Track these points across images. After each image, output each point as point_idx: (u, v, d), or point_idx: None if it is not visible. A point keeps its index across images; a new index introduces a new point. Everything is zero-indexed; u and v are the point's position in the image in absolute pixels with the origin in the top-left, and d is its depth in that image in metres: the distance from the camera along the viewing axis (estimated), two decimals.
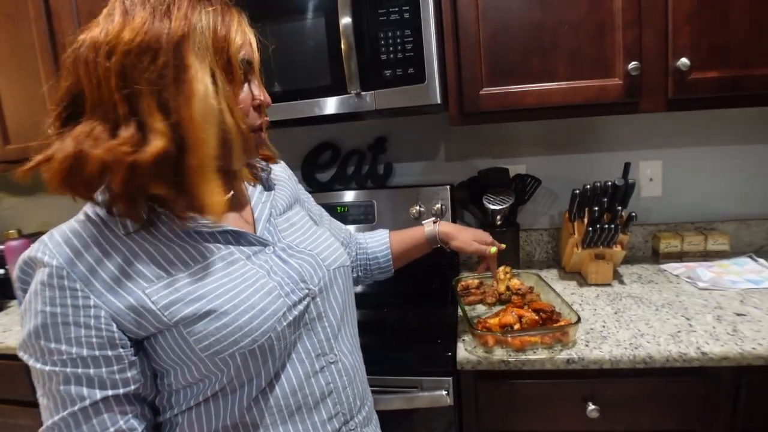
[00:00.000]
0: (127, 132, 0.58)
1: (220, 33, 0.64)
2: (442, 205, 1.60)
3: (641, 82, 1.27)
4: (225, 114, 0.63)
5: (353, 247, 1.12)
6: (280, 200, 0.85)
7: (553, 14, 1.28)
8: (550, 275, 1.53)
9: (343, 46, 1.25)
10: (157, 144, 0.58)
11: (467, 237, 1.14)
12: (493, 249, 1.13)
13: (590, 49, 1.28)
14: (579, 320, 1.06)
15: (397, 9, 1.27)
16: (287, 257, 0.74)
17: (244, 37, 0.68)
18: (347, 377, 0.77)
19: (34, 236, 1.83)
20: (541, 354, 1.06)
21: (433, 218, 1.18)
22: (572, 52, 1.29)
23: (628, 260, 1.60)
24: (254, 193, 0.81)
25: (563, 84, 1.30)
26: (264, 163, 0.86)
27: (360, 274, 1.13)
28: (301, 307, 0.71)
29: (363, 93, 1.30)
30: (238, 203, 0.78)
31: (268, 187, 0.84)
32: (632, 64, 1.25)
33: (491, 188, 1.53)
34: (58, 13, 1.60)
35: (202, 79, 0.60)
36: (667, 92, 1.28)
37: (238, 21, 0.68)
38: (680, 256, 1.57)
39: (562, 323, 1.08)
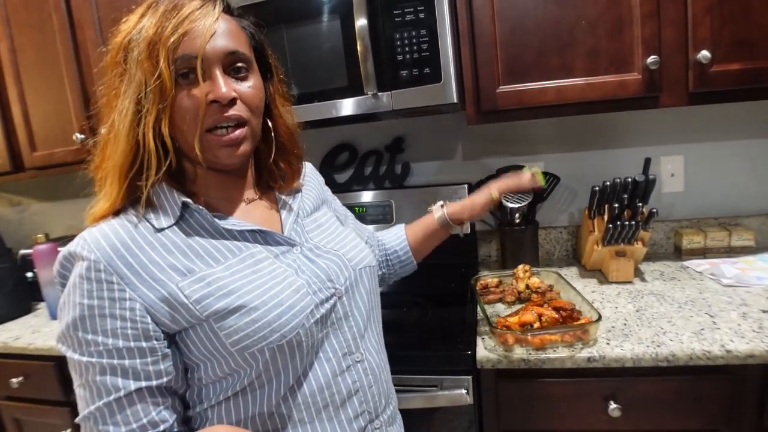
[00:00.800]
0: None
1: (154, 35, 0.63)
2: None
3: (661, 76, 1.25)
4: (146, 129, 0.63)
5: (375, 246, 1.13)
6: (308, 201, 0.86)
7: (570, 10, 1.27)
8: (570, 273, 1.52)
9: (359, 48, 1.26)
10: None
11: (472, 203, 1.10)
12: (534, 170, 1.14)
13: (608, 44, 1.27)
14: (600, 318, 1.05)
15: (412, 9, 1.27)
16: (314, 257, 0.76)
17: (189, 28, 0.64)
18: (373, 376, 0.78)
19: (60, 240, 1.88)
20: (562, 352, 1.05)
21: (441, 202, 1.15)
22: (590, 47, 1.28)
23: (649, 257, 1.57)
24: (282, 193, 0.82)
25: (581, 80, 1.29)
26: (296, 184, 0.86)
27: (384, 271, 1.14)
28: (328, 305, 0.73)
29: (380, 93, 1.30)
30: (267, 203, 0.80)
31: (296, 188, 0.86)
32: (651, 58, 1.23)
33: None
34: (81, 23, 1.64)
35: (124, 95, 0.64)
36: (687, 86, 1.26)
37: (192, 11, 0.65)
38: (703, 253, 1.54)
39: (583, 321, 1.08)
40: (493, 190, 1.09)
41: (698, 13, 1.22)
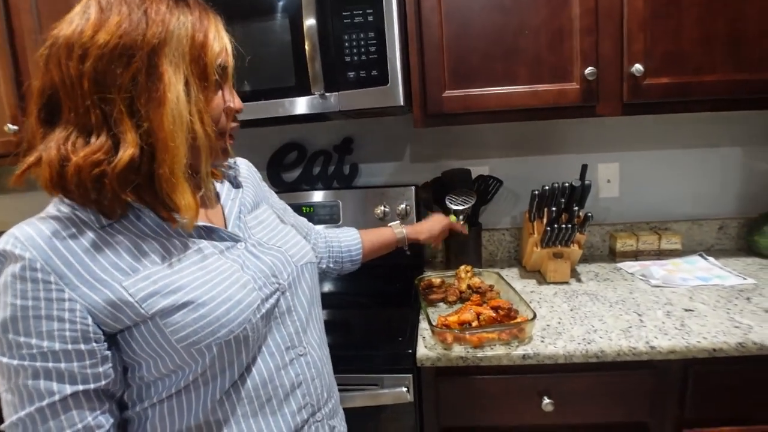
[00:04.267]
0: (99, 140, 0.60)
1: (198, 40, 0.65)
2: (406, 206, 1.62)
3: (598, 86, 1.31)
4: (195, 122, 0.63)
5: (320, 241, 1.15)
6: (248, 198, 0.87)
7: (514, 19, 1.31)
8: (511, 274, 1.57)
9: (307, 47, 1.26)
10: (127, 153, 0.59)
11: (431, 229, 1.35)
12: (452, 217, 1.39)
13: (550, 54, 1.32)
14: (535, 317, 1.09)
15: (360, 12, 1.28)
16: (258, 253, 0.76)
17: (221, 44, 0.69)
18: (315, 369, 0.80)
19: None
20: (499, 350, 1.09)
21: (398, 221, 1.31)
22: (532, 56, 1.32)
23: (586, 259, 1.65)
24: (223, 190, 0.83)
25: (524, 87, 1.33)
26: (232, 161, 0.89)
27: (330, 265, 1.17)
28: (272, 300, 0.74)
29: (327, 94, 1.31)
30: (209, 200, 0.80)
31: (236, 185, 0.86)
32: (588, 69, 1.29)
33: (454, 189, 1.55)
34: (17, 9, 1.56)
35: (174, 88, 0.61)
36: (622, 97, 1.32)
37: (216, 27, 0.69)
38: (636, 255, 1.62)
39: (519, 320, 1.11)
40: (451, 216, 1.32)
41: (633, 29, 1.29)
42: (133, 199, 0.64)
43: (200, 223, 0.71)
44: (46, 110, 0.62)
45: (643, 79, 1.30)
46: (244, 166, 0.94)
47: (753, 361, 1.10)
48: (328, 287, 1.60)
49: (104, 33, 0.59)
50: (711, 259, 1.58)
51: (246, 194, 0.86)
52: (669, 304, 1.27)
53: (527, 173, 1.70)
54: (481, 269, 1.48)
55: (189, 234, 0.70)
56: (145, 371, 0.66)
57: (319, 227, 1.16)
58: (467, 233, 1.45)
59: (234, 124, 0.74)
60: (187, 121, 0.62)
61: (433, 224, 1.37)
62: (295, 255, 0.82)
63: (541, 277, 1.51)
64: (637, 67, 1.28)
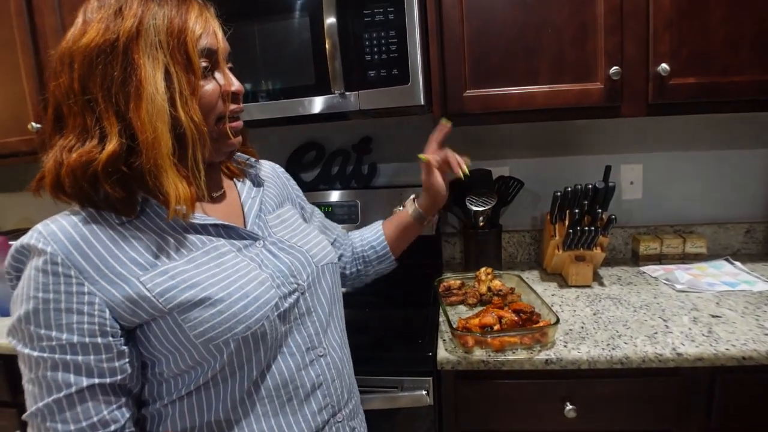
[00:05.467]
0: (92, 141, 0.62)
1: (176, 27, 0.65)
2: None
3: (622, 86, 1.29)
4: (179, 111, 0.64)
5: (347, 244, 1.12)
6: (270, 197, 0.87)
7: (537, 18, 1.29)
8: (532, 276, 1.55)
9: (327, 46, 1.25)
10: (109, 147, 0.61)
11: (428, 187, 1.08)
12: (421, 156, 1.08)
13: (573, 53, 1.30)
14: (558, 321, 1.07)
15: (381, 10, 1.27)
16: (277, 251, 0.76)
17: (205, 27, 0.68)
18: (336, 370, 0.79)
19: (12, 233, 1.81)
20: (520, 354, 1.07)
21: (413, 195, 1.15)
22: (555, 55, 1.30)
23: (608, 262, 1.62)
24: (243, 188, 0.83)
25: (546, 87, 1.31)
26: (252, 159, 0.89)
27: (360, 267, 1.12)
28: (291, 300, 0.74)
29: (347, 93, 1.30)
30: (229, 198, 0.80)
31: (258, 183, 0.86)
32: (613, 69, 1.26)
33: (474, 190, 1.54)
34: (40, 8, 1.57)
35: (152, 79, 0.62)
36: (647, 97, 1.29)
37: (199, 11, 0.68)
38: (659, 259, 1.59)
39: (541, 324, 1.09)
40: (422, 155, 1.08)
41: (659, 28, 1.26)
42: (124, 195, 0.64)
43: (218, 221, 0.72)
44: (55, 121, 0.65)
45: (669, 79, 1.27)
46: (267, 167, 0.95)
47: None
48: (356, 286, 1.59)
49: (86, 37, 0.62)
50: (738, 263, 1.54)
51: (268, 193, 0.87)
52: (695, 310, 1.24)
53: (548, 174, 1.67)
54: (501, 271, 1.46)
55: (207, 232, 0.71)
56: (165, 367, 0.67)
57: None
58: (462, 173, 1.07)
59: (234, 106, 0.74)
60: (167, 111, 0.62)
61: (427, 185, 1.08)
62: (316, 255, 0.82)
63: (562, 280, 1.49)
64: (663, 67, 1.25)
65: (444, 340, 1.16)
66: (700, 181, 1.65)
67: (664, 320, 1.19)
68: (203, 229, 0.71)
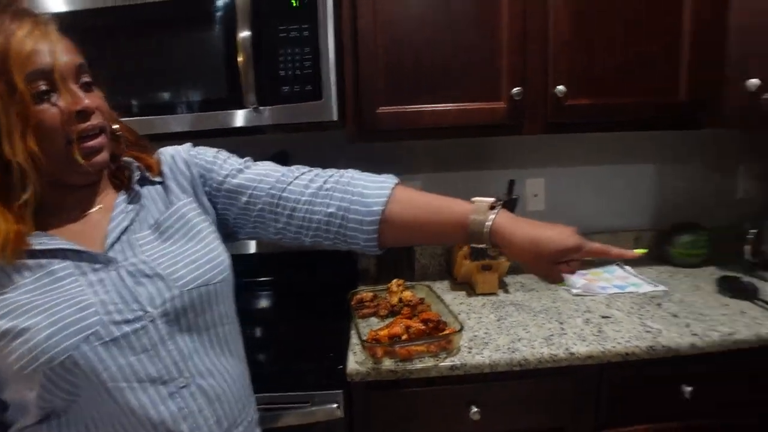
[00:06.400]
0: None
1: (1, 51, 0.62)
2: None
3: (523, 106, 1.38)
4: (3, 145, 0.62)
5: (315, 183, 0.84)
6: (152, 209, 0.79)
7: (449, 38, 1.34)
8: (443, 286, 1.61)
9: (240, 59, 1.25)
10: None
11: (550, 235, 0.79)
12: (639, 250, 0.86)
13: (481, 73, 1.37)
14: (462, 328, 1.13)
15: (297, 27, 1.28)
16: (127, 275, 0.71)
17: (35, 46, 0.64)
18: (205, 399, 0.74)
19: None
20: (427, 362, 1.11)
21: (494, 198, 0.82)
22: (465, 74, 1.37)
23: (514, 270, 1.70)
24: (120, 204, 0.76)
25: (456, 105, 1.38)
26: (139, 171, 0.80)
27: (334, 230, 0.81)
28: (128, 328, 0.68)
29: (261, 108, 1.30)
30: (99, 215, 0.75)
31: (136, 198, 0.78)
32: (516, 90, 1.35)
33: None
34: None
35: None
36: (546, 116, 1.40)
37: (30, 29, 0.64)
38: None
39: (447, 332, 1.15)
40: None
41: (557, 52, 1.37)
42: None
43: (66, 245, 0.69)
44: None
45: (566, 100, 1.37)
46: (167, 159, 0.84)
47: (661, 363, 1.19)
48: (259, 303, 1.59)
49: None
50: (627, 267, 1.68)
51: (149, 204, 0.79)
52: (588, 312, 1.35)
53: (458, 188, 1.72)
54: (414, 283, 1.50)
55: (53, 255, 0.68)
56: (5, 394, 0.67)
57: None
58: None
59: (84, 125, 0.68)
60: None
61: (561, 234, 0.80)
62: (183, 278, 0.73)
63: (471, 289, 1.56)
64: (560, 89, 1.36)
65: (355, 352, 1.18)
66: (596, 193, 1.80)
67: (560, 323, 1.28)
68: (49, 254, 0.68)
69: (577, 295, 1.47)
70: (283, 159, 1.73)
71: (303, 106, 1.30)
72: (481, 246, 0.81)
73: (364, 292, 1.44)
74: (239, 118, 1.31)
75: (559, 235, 0.79)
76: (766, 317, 1.31)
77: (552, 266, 0.80)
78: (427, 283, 1.51)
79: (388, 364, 1.12)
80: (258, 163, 0.88)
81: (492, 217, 0.79)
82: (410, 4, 1.33)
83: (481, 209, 0.80)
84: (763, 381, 1.27)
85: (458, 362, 1.11)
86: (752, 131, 1.77)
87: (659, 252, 1.78)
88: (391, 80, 1.37)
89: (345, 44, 1.36)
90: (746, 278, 1.54)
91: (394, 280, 1.41)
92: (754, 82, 1.32)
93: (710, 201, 1.86)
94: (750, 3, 1.32)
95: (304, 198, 0.81)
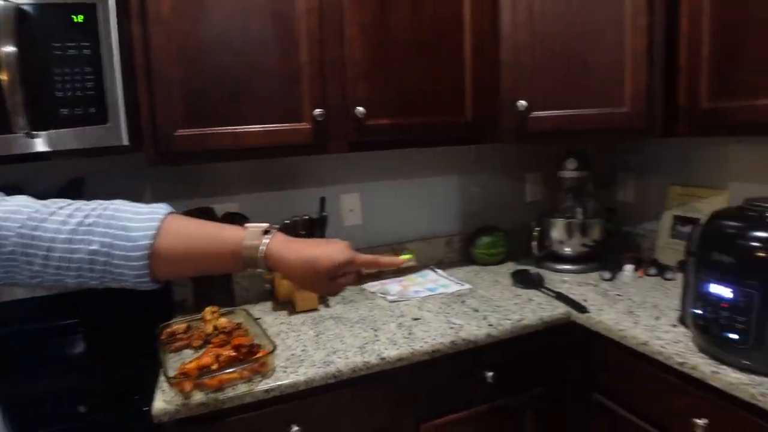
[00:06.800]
0: None
1: None
2: None
3: (327, 127, 1.43)
4: None
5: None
6: None
7: (248, 61, 1.34)
8: (265, 308, 1.58)
9: (4, 79, 1.10)
10: None
11: (321, 252, 0.82)
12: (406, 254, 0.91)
13: (283, 95, 1.39)
14: (274, 349, 1.12)
15: (75, 44, 1.18)
16: None
17: None
18: None
19: None
20: (241, 388, 1.08)
21: (266, 225, 0.83)
22: (266, 97, 1.37)
23: None
24: None
25: (259, 127, 1.37)
26: None
27: (99, 268, 0.73)
28: None
29: (35, 132, 1.16)
30: None
31: None
32: (317, 111, 1.39)
33: None
34: None
35: None
36: (348, 136, 1.46)
37: None
38: (378, 275, 1.79)
39: (259, 355, 1.13)
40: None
41: (355, 76, 1.44)
42: None
43: None
44: None
45: (366, 121, 1.46)
46: None
47: (464, 355, 1.31)
48: (63, 349, 1.40)
49: None
50: (439, 271, 1.83)
51: None
52: (402, 316, 1.43)
53: (276, 208, 1.74)
54: (233, 308, 1.46)
55: None
56: None
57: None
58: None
59: None
60: None
61: (334, 251, 0.84)
62: None
63: (292, 307, 1.56)
64: (360, 110, 1.44)
65: (163, 390, 1.10)
66: (409, 204, 1.94)
67: (375, 330, 1.34)
68: None
69: (393, 301, 1.55)
70: (77, 187, 1.58)
71: (87, 129, 1.19)
72: (258, 271, 0.82)
73: (177, 324, 1.35)
74: (8, 144, 1.15)
75: (332, 251, 0.83)
76: (548, 302, 1.52)
77: (329, 281, 0.84)
78: (247, 306, 1.47)
79: (198, 397, 1.06)
80: (8, 198, 0.77)
81: (266, 241, 0.80)
82: (207, 26, 1.30)
83: (254, 235, 0.80)
84: (547, 357, 1.47)
85: (273, 384, 1.10)
86: (525, 144, 2.06)
87: (466, 254, 1.98)
88: (189, 102, 1.32)
89: (137, 65, 1.28)
90: (534, 270, 1.78)
91: (208, 308, 1.35)
92: (523, 103, 1.55)
93: (506, 205, 2.12)
94: (513, 41, 1.54)
95: (61, 236, 0.72)
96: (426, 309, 1.48)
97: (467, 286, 1.68)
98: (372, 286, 1.69)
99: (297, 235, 1.46)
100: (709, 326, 1.12)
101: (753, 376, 1.04)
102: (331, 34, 1.41)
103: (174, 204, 1.61)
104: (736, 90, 1.32)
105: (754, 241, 1.05)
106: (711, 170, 1.78)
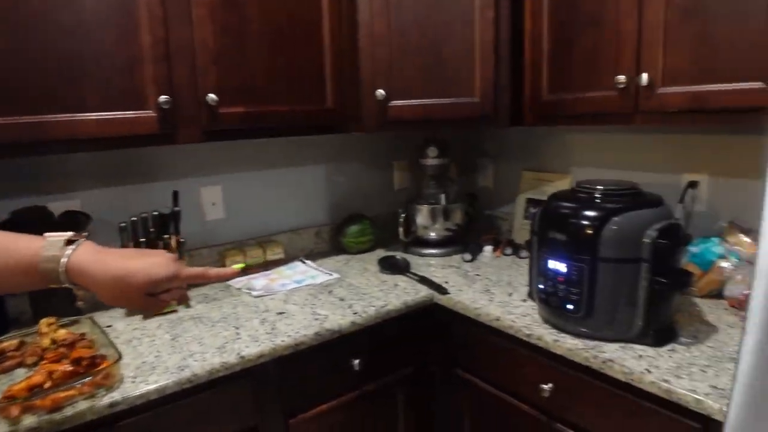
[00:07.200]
0: None
1: None
2: None
3: (175, 115, 1.33)
4: None
5: None
6: None
7: (82, 41, 1.19)
8: (118, 313, 1.44)
9: None
10: None
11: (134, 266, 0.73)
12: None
13: (122, 81, 1.26)
14: (119, 358, 1.03)
15: None
16: None
17: None
18: None
19: None
20: (81, 405, 0.98)
21: (70, 234, 0.74)
22: (104, 82, 1.24)
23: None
24: None
25: (96, 115, 1.24)
26: None
27: None
28: None
29: None
30: None
31: None
32: (163, 98, 1.29)
33: (31, 230, 1.34)
34: None
35: None
36: (201, 124, 1.38)
37: None
38: (246, 271, 1.73)
39: (102, 366, 1.03)
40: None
41: (205, 61, 1.36)
42: None
43: None
44: None
45: (219, 108, 1.38)
46: None
47: (330, 345, 1.31)
48: None
49: None
50: (309, 262, 1.82)
51: None
52: (266, 311, 1.40)
53: (126, 204, 1.59)
54: (79, 317, 1.31)
55: None
56: None
57: None
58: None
59: None
60: None
61: (153, 265, 0.75)
62: None
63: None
64: (212, 97, 1.36)
65: None
66: (276, 195, 1.89)
67: (237, 328, 1.30)
68: None
69: (259, 296, 1.51)
70: None
71: None
72: (63, 287, 0.72)
73: (7, 341, 1.19)
74: None
75: (150, 265, 0.74)
76: (412, 286, 1.58)
77: (147, 298, 0.76)
78: (96, 314, 1.34)
79: (30, 421, 0.94)
80: None
81: (68, 253, 0.71)
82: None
83: (54, 246, 0.71)
84: (412, 339, 1.53)
85: (119, 397, 1.01)
86: (387, 133, 2.10)
87: (336, 243, 1.98)
88: (4, 89, 1.15)
89: None
90: (401, 256, 1.83)
91: (44, 320, 1.21)
92: (381, 92, 1.57)
93: (374, 193, 2.16)
94: (371, 30, 1.55)
95: None
96: (292, 302, 1.46)
97: (335, 275, 1.68)
98: (238, 282, 1.62)
99: (147, 234, 1.38)
100: (549, 299, 1.23)
101: (587, 341, 1.16)
102: (177, 14, 1.31)
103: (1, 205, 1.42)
104: (571, 83, 1.46)
105: (584, 220, 1.16)
106: (557, 156, 1.96)
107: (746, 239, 1.33)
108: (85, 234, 0.76)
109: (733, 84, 1.11)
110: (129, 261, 0.74)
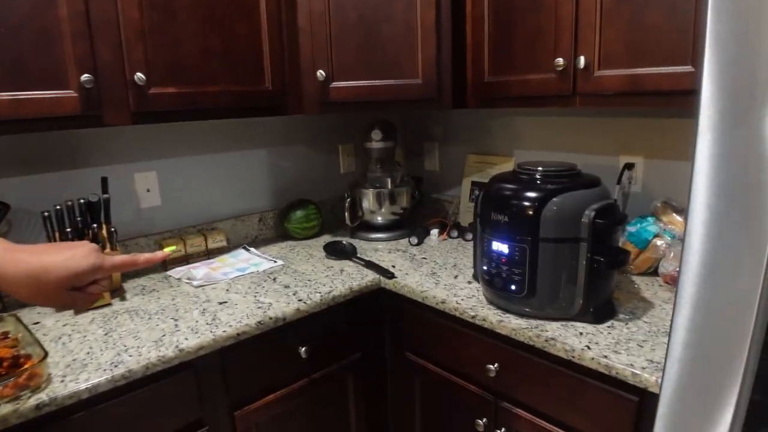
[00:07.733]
0: None
1: None
2: None
3: (99, 95, 1.24)
4: None
5: None
6: None
7: None
8: (46, 311, 1.35)
9: None
10: None
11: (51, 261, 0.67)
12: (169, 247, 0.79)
13: (38, 58, 1.16)
14: (45, 357, 0.96)
15: None
16: None
17: None
18: None
19: None
20: (4, 409, 0.91)
21: None
22: (15, 59, 1.14)
23: (137, 273, 1.58)
24: None
25: (8, 94, 1.14)
26: None
27: None
28: None
29: None
30: None
31: None
32: (85, 77, 1.20)
33: None
34: None
35: None
36: (129, 106, 1.30)
37: None
38: (186, 260, 1.66)
39: (26, 366, 0.96)
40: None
41: (131, 38, 1.27)
42: None
43: None
44: None
45: (149, 89, 1.30)
46: None
47: (274, 333, 1.28)
48: None
49: None
50: (253, 249, 1.77)
51: None
52: (207, 302, 1.35)
53: (50, 192, 1.48)
54: (1, 314, 1.22)
55: None
56: None
57: None
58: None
59: None
60: None
61: (72, 259, 0.69)
62: None
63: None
64: (140, 76, 1.28)
65: None
66: (217, 181, 1.82)
67: (176, 320, 1.24)
68: None
69: (199, 286, 1.45)
70: None
71: None
72: None
73: None
74: None
75: (69, 259, 0.68)
76: (358, 271, 1.56)
77: (71, 294, 0.70)
78: (22, 311, 1.25)
79: None
80: None
81: None
82: None
83: None
84: (360, 324, 1.52)
85: (46, 398, 0.94)
86: (329, 114, 2.06)
87: (281, 229, 1.93)
88: None
89: None
90: (347, 241, 1.81)
91: None
92: (322, 73, 1.53)
93: (320, 177, 2.12)
94: (309, 9, 1.50)
95: None
96: (234, 291, 1.42)
97: (280, 262, 1.64)
98: (177, 272, 1.55)
99: (74, 223, 1.29)
100: (493, 280, 1.25)
101: (530, 320, 1.19)
102: None
103: None
104: (512, 65, 1.47)
105: (524, 201, 1.18)
106: (500, 139, 1.98)
107: (678, 218, 1.39)
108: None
109: (665, 68, 1.15)
110: (44, 256, 0.68)
